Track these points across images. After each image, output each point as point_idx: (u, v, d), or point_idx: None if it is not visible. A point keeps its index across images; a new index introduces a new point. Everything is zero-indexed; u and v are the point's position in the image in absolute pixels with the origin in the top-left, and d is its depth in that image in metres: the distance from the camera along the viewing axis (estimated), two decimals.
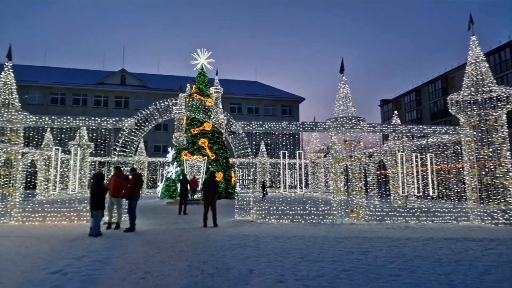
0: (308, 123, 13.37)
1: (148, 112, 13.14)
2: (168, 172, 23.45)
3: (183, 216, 13.76)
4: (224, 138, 24.18)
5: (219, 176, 22.17)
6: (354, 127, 12.52)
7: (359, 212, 12.40)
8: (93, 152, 26.38)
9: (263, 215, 12.33)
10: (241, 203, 12.94)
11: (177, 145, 22.93)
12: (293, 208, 12.46)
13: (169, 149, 26.19)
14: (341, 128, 12.67)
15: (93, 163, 27.25)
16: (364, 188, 13.12)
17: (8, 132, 11.83)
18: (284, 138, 19.11)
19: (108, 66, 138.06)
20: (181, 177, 16.15)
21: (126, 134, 12.64)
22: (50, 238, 8.61)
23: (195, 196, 19.73)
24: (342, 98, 13.15)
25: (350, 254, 6.97)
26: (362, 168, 13.28)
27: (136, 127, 12.82)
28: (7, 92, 11.93)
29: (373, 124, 13.28)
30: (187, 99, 19.78)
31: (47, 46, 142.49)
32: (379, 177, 21.35)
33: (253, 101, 48.44)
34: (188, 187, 16.55)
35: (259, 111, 48.46)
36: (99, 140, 26.71)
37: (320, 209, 12.49)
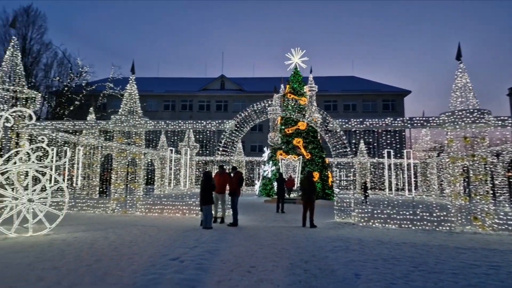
0: (417, 118, 11.99)
1: (246, 114, 13.80)
2: (264, 171, 24.24)
3: (281, 214, 14.02)
4: (319, 137, 23.81)
5: (315, 176, 21.93)
6: (477, 121, 10.74)
7: (485, 220, 10.64)
8: (199, 152, 28.95)
9: (366, 218, 11.66)
10: (341, 204, 12.53)
11: (272, 144, 23.47)
12: (400, 212, 11.41)
13: (265, 148, 27.05)
14: (459, 123, 10.98)
15: (199, 162, 29.97)
16: (491, 192, 11.18)
17: (133, 135, 13.84)
18: (389, 136, 17.71)
19: (209, 72, 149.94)
20: (278, 176, 16.48)
21: (227, 135, 13.52)
22: (168, 228, 9.75)
23: (292, 195, 19.91)
24: (460, 89, 11.40)
25: (475, 268, 6.04)
26: (488, 169, 11.34)
27: (236, 128, 13.60)
28: (132, 101, 13.97)
29: (502, 117, 11.16)
30: (281, 99, 20.16)
31: (159, 58, 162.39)
32: (510, 180, 18.09)
33: (349, 97, 46.48)
34: (285, 186, 16.76)
35: (357, 107, 46.25)
36: (204, 141, 29.20)
37: (434, 214, 11.10)
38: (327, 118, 13.23)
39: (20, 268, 5.43)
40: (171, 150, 17.69)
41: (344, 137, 12.81)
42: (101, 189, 19.26)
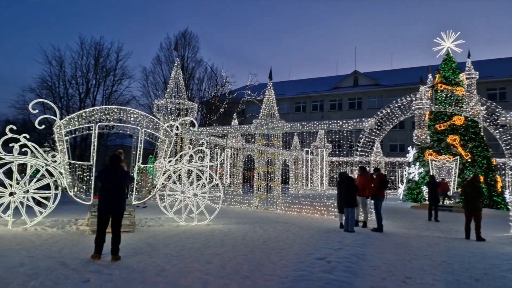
0: None
1: (389, 111, 12.70)
2: (409, 173, 21.88)
3: (435, 223, 12.30)
4: (483, 134, 19.94)
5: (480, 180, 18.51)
6: None
7: None
8: (332, 152, 28.44)
9: None
10: None
11: (419, 143, 20.91)
12: None
13: (409, 148, 24.40)
14: None
15: (332, 163, 29.44)
16: None
17: (272, 137, 14.63)
18: None
19: (340, 70, 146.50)
20: (429, 179, 14.42)
21: (367, 135, 12.74)
22: (308, 227, 9.85)
23: (446, 202, 17.25)
24: None
25: None
26: None
27: (376, 126, 12.69)
28: (270, 105, 14.78)
29: None
30: (430, 91, 17.73)
31: (291, 62, 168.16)
32: None
33: None
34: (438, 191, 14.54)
35: None
36: (339, 141, 28.59)
37: None
38: (497, 110, 10.88)
39: (193, 251, 6.42)
40: (307, 151, 17.97)
41: None
42: (247, 187, 21.18)
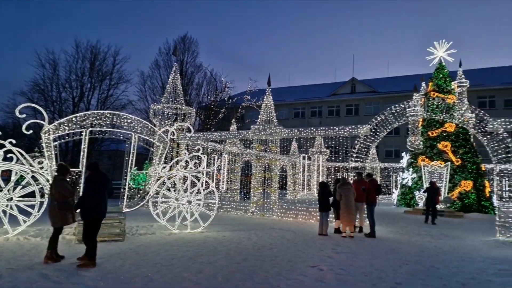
0: None
1: (383, 117, 12.95)
2: (403, 179, 22.14)
3: (426, 228, 12.50)
4: (472, 140, 20.30)
5: (467, 185, 18.81)
6: None
7: None
8: (329, 158, 28.67)
9: None
10: (504, 220, 10.36)
11: (412, 149, 21.20)
12: None
13: (403, 154, 24.69)
14: None
15: (329, 168, 29.63)
16: None
17: (270, 143, 14.80)
18: None
19: (339, 77, 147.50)
20: (430, 186, 15.04)
21: (362, 141, 12.97)
22: (303, 233, 10.00)
23: (438, 207, 17.46)
24: None
25: None
26: None
27: (371, 133, 12.93)
28: (268, 111, 14.98)
29: None
30: (423, 99, 18.04)
31: (290, 68, 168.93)
32: None
33: (511, 91, 38.11)
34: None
35: None
36: (335, 147, 28.78)
37: None
38: (485, 117, 11.20)
39: (184, 260, 6.43)
40: (304, 156, 18.14)
41: (509, 140, 10.60)
42: (243, 193, 21.25)
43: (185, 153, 11.58)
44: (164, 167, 9.87)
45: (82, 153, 9.15)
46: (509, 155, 10.60)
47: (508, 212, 10.53)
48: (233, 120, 23.38)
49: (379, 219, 12.74)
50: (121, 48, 56.47)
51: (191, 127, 13.07)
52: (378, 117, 13.01)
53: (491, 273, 6.21)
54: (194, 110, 19.89)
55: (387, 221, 13.80)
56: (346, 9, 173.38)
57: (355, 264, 6.50)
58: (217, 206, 10.35)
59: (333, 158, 28.85)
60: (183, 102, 17.90)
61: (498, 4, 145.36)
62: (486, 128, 10.96)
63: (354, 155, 13.04)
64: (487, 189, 19.30)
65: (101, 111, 9.84)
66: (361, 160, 13.04)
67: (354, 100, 45.89)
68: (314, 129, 13.85)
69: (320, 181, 11.21)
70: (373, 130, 12.92)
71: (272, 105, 15.05)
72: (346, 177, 11.07)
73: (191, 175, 9.88)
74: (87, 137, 9.07)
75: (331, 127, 13.52)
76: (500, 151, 10.77)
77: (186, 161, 10.05)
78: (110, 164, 43.89)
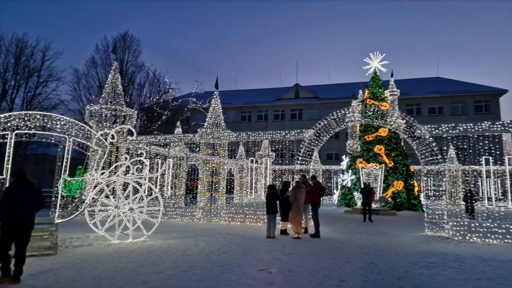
0: None
1: (326, 123, 13.57)
2: (343, 180, 23.41)
3: (365, 226, 13.34)
4: (403, 144, 22.21)
5: (399, 185, 20.48)
6: None
7: None
8: (275, 161, 29.28)
9: (462, 232, 10.51)
10: (432, 216, 11.46)
11: (351, 152, 22.61)
12: (503, 226, 10.11)
13: (343, 157, 26.15)
14: None
15: (275, 171, 30.26)
16: None
17: (217, 146, 14.63)
18: (486, 141, 15.79)
19: (284, 82, 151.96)
20: (364, 187, 16.26)
21: (306, 144, 13.44)
22: (251, 237, 10.02)
23: (373, 206, 18.78)
24: None
25: None
26: None
27: (315, 137, 13.46)
28: (216, 115, 14.81)
29: None
30: (360, 106, 19.34)
31: (237, 71, 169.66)
32: None
33: (435, 99, 42.53)
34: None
35: (444, 110, 42.05)
36: (281, 150, 29.44)
37: None
38: (414, 124, 12.30)
39: (126, 272, 6.02)
40: (251, 160, 18.25)
41: (434, 143, 11.76)
42: (189, 199, 20.71)
43: (126, 158, 10.92)
44: (103, 173, 9.18)
45: (6, 158, 8.19)
46: (435, 157, 11.74)
47: (434, 209, 11.68)
48: (178, 122, 22.71)
49: (323, 219, 13.28)
50: (52, 43, 51.59)
51: (133, 130, 12.34)
52: (321, 122, 13.61)
53: (422, 266, 6.77)
54: (136, 111, 18.92)
55: (330, 221, 14.44)
56: (291, 16, 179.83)
57: (302, 265, 6.66)
58: (161, 213, 9.92)
59: (279, 161, 29.54)
60: (123, 103, 16.96)
61: (423, 21, 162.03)
62: (415, 133, 12.05)
63: (300, 158, 13.46)
64: (416, 189, 21.22)
65: (30, 112, 8.92)
66: (306, 163, 13.50)
67: (298, 105, 47.63)
68: (262, 133, 14.02)
69: (269, 184, 11.35)
70: (317, 134, 13.48)
71: (220, 108, 14.93)
72: (300, 180, 11.25)
73: (133, 181, 9.33)
74: (12, 141, 8.14)
75: (278, 131, 13.79)
76: (426, 154, 11.90)
77: (128, 167, 9.47)
78: (38, 170, 40.02)
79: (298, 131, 13.44)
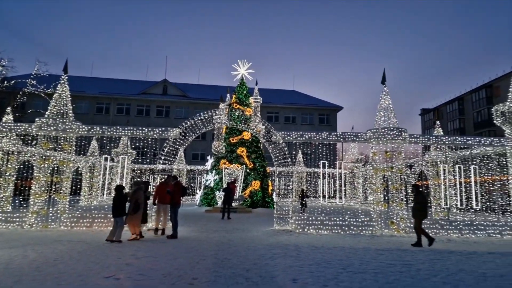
0: (349, 133, 13.23)
1: (193, 122, 13.54)
2: (207, 180, 23.90)
3: (223, 224, 13.90)
4: (261, 147, 24.27)
5: (256, 184, 22.25)
6: (396, 138, 12.28)
7: (400, 224, 12.06)
8: (135, 160, 27.47)
9: (302, 225, 12.22)
10: (280, 212, 12.90)
11: (216, 153, 23.32)
12: (332, 219, 12.33)
13: (208, 157, 26.72)
14: (382, 139, 12.44)
15: (135, 170, 28.32)
16: (404, 199, 12.79)
17: (62, 141, 12.61)
18: (324, 148, 18.91)
19: (151, 76, 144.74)
20: (226, 186, 17.11)
21: (171, 144, 13.08)
22: (99, 243, 9.04)
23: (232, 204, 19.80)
24: (384, 109, 12.97)
25: (392, 267, 6.86)
26: (403, 179, 12.98)
27: (181, 136, 13.25)
28: (62, 103, 12.79)
29: (415, 135, 12.99)
30: (227, 109, 20.21)
31: (94, 57, 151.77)
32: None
33: (290, 109, 48.38)
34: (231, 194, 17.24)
35: (296, 120, 48.28)
36: (143, 148, 27.82)
37: (359, 220, 12.29)
38: (271, 129, 13.61)
39: None
40: (106, 157, 16.46)
41: (286, 148, 13.27)
42: (19, 201, 17.19)
43: None
44: None
45: None
46: (286, 160, 13.25)
47: (283, 206, 13.18)
48: (9, 108, 18.43)
49: (183, 219, 13.23)
50: None
51: None
52: (188, 122, 13.52)
53: (268, 257, 7.49)
54: None
55: (189, 221, 14.47)
56: (156, 9, 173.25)
57: (155, 267, 6.40)
58: None
59: (140, 160, 27.90)
60: None
61: (284, 36, 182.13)
62: (271, 138, 13.36)
63: (163, 158, 12.99)
64: (270, 188, 23.50)
65: None
66: (170, 163, 13.14)
67: (166, 102, 46.17)
68: (121, 129, 12.91)
69: (117, 184, 10.46)
70: (183, 134, 13.32)
71: (68, 95, 13.00)
72: (149, 180, 10.81)
73: None
74: None
75: (140, 128, 12.96)
76: (280, 157, 13.33)
77: None
78: None
79: (163, 129, 12.98)
